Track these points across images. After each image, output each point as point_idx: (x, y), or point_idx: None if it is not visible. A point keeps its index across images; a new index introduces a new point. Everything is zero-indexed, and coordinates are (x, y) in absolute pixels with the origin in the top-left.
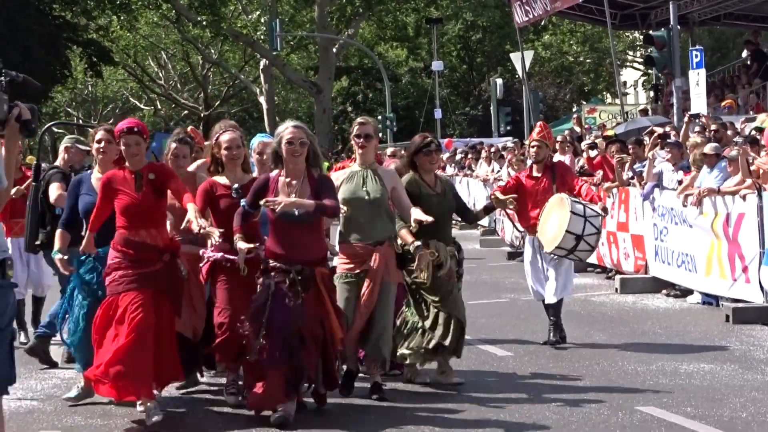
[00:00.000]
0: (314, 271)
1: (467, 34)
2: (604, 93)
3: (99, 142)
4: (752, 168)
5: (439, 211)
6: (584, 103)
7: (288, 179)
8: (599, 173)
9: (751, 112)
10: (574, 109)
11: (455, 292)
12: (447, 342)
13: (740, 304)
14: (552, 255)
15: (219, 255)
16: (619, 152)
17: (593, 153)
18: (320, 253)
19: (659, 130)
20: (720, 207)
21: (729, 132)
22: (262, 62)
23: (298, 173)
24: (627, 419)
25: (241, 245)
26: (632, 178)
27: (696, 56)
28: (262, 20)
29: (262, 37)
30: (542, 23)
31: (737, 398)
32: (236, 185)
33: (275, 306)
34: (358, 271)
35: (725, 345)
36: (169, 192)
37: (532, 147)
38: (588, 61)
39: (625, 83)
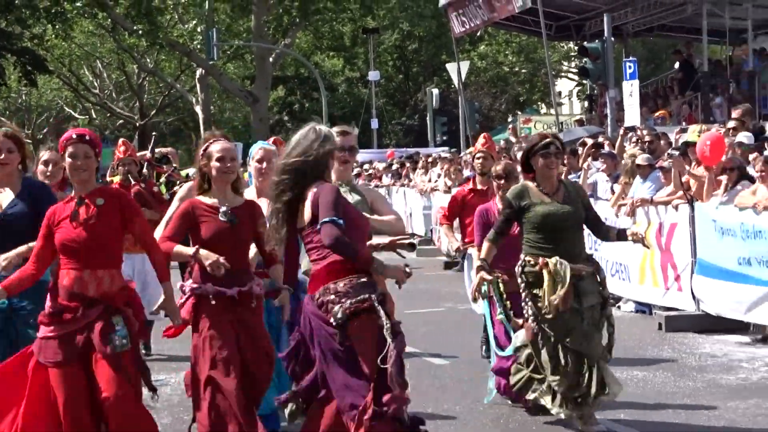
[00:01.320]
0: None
1: (403, 44)
2: (539, 103)
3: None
4: (684, 179)
5: (553, 221)
6: (519, 113)
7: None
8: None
9: (684, 123)
10: (509, 119)
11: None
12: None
13: (673, 313)
14: None
15: (209, 286)
16: None
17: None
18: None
19: (591, 141)
20: (653, 217)
21: (662, 143)
22: (199, 72)
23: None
24: (561, 425)
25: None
26: None
27: (629, 67)
28: (199, 30)
29: (198, 46)
30: (478, 34)
31: (670, 405)
32: (225, 207)
33: None
34: None
35: (658, 353)
36: None
37: (477, 158)
38: (523, 71)
39: (559, 93)
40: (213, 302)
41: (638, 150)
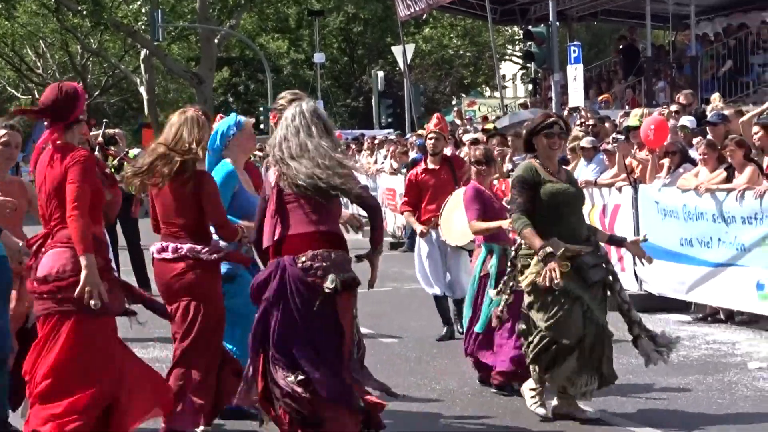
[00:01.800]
0: None
1: (349, 27)
2: (484, 86)
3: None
4: (627, 162)
5: (561, 200)
6: (464, 96)
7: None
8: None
9: (627, 107)
10: (454, 102)
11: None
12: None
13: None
14: (461, 248)
15: None
16: (500, 145)
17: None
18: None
19: None
20: (597, 198)
21: (607, 125)
22: (143, 52)
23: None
24: (504, 398)
25: None
26: (512, 170)
27: (574, 51)
28: (143, 10)
29: (142, 27)
30: (423, 17)
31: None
32: None
33: None
34: None
35: None
36: None
37: (430, 139)
38: (468, 54)
39: (504, 77)
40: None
41: (582, 133)
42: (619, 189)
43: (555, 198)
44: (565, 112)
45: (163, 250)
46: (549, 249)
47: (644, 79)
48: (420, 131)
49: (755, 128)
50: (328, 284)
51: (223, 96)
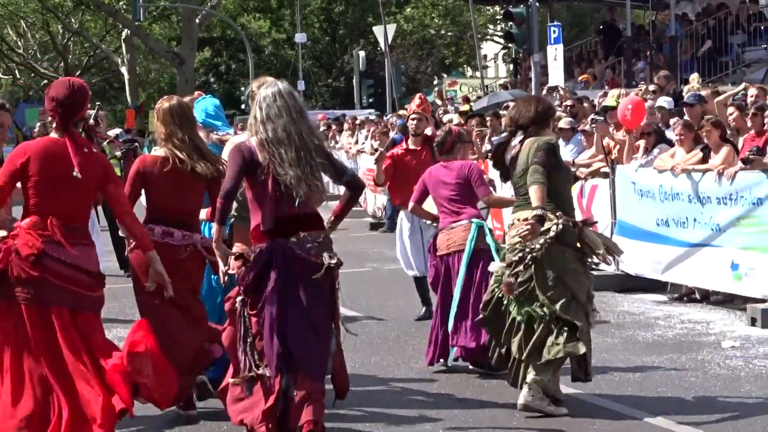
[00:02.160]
0: None
1: (330, 6)
2: (465, 66)
3: None
4: (605, 143)
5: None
6: (445, 76)
7: None
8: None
9: (606, 87)
10: (435, 82)
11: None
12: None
13: (593, 272)
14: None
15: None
16: (479, 126)
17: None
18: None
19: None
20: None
21: (585, 105)
22: (124, 32)
23: None
24: (480, 379)
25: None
26: (490, 150)
27: (554, 32)
28: None
29: (124, 6)
30: None
31: None
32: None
33: None
34: None
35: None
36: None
37: (412, 119)
38: (449, 34)
39: (485, 57)
40: None
41: (562, 113)
42: (598, 170)
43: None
44: (544, 92)
45: (168, 234)
46: (540, 212)
47: (624, 60)
48: (401, 111)
49: (730, 109)
50: (328, 260)
51: (205, 76)
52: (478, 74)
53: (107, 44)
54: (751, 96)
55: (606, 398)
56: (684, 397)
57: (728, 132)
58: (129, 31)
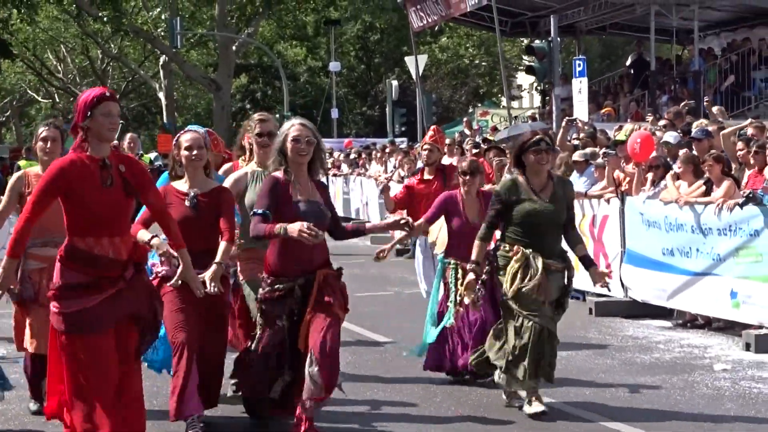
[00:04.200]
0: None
1: (366, 35)
2: (499, 96)
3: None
4: (615, 175)
5: (536, 219)
6: (479, 105)
7: (298, 180)
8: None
9: (629, 120)
10: (470, 111)
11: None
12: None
13: (603, 299)
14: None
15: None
16: (497, 156)
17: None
18: (327, 255)
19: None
20: (587, 209)
21: (601, 138)
22: (162, 58)
23: (305, 175)
24: (485, 394)
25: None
26: None
27: (579, 65)
28: (163, 17)
29: (162, 33)
30: (436, 28)
31: (585, 379)
32: (193, 191)
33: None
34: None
35: (585, 334)
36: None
37: (424, 150)
38: (483, 64)
39: (519, 87)
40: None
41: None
42: (608, 201)
43: (529, 217)
44: (563, 123)
45: None
46: (475, 269)
47: (648, 93)
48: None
49: (739, 144)
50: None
51: (241, 102)
52: (514, 104)
53: (145, 70)
54: (751, 135)
55: (588, 410)
56: (668, 411)
57: (734, 166)
58: (167, 58)
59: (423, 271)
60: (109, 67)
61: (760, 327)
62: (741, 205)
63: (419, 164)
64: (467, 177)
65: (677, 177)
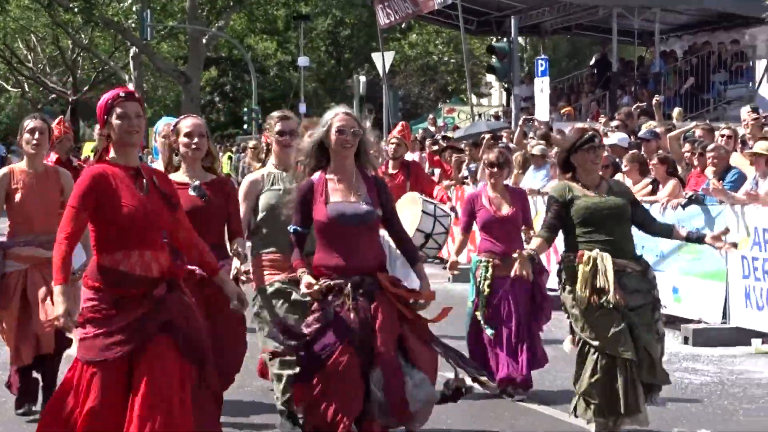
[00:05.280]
0: (376, 278)
1: (336, 30)
2: (468, 93)
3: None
4: None
5: (598, 213)
6: (447, 101)
7: (338, 177)
8: (438, 171)
9: (588, 120)
10: (439, 107)
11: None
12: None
13: (553, 293)
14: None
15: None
16: (455, 153)
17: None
18: (381, 257)
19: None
20: (540, 206)
21: (558, 137)
22: (132, 50)
23: (349, 170)
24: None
25: (307, 279)
26: (467, 177)
27: (541, 65)
28: (134, 9)
29: (132, 25)
30: (403, 25)
31: (540, 370)
32: (197, 182)
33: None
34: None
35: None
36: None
37: (391, 144)
38: (452, 61)
39: (488, 84)
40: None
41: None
42: None
43: (590, 211)
44: (520, 123)
45: None
46: (531, 252)
47: (609, 94)
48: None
49: (686, 146)
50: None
51: (210, 95)
52: (483, 101)
53: (116, 61)
54: (699, 137)
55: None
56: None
57: (679, 168)
58: (137, 49)
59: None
60: (79, 58)
61: (699, 321)
62: (683, 206)
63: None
64: (494, 169)
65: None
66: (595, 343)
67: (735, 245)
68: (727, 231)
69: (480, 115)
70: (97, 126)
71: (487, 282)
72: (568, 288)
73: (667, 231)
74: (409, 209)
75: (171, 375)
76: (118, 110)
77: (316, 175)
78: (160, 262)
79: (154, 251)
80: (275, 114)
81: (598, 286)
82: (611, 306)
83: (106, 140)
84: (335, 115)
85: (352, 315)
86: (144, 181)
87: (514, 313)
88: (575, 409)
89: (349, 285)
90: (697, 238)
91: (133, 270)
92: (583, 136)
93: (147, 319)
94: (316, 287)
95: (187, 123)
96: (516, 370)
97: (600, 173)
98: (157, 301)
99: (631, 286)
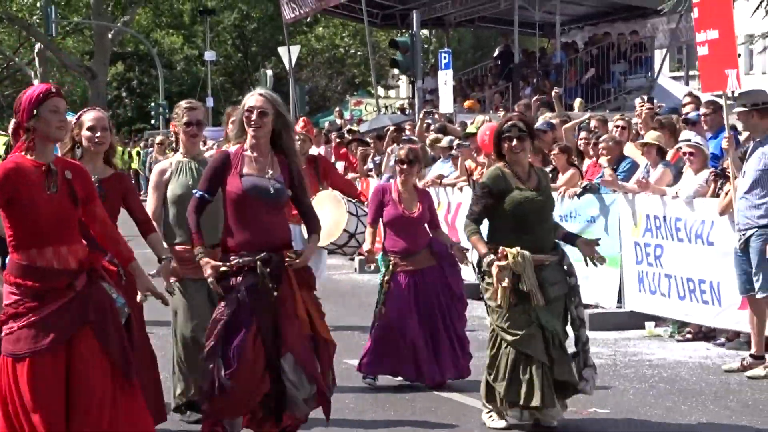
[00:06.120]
0: (282, 256)
1: (242, 24)
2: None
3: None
4: (467, 165)
5: (529, 209)
6: (355, 94)
7: (254, 154)
8: (343, 163)
9: (491, 111)
10: (346, 100)
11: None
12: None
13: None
14: (322, 247)
15: None
16: (360, 146)
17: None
18: (287, 236)
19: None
20: (442, 197)
21: (459, 129)
22: (38, 45)
23: (264, 148)
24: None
25: (209, 266)
26: (371, 169)
27: (444, 58)
28: (38, 4)
29: (37, 21)
30: (308, 18)
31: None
32: (95, 178)
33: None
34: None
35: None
36: None
37: (296, 141)
38: (359, 53)
39: (395, 76)
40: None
41: (440, 134)
42: (461, 189)
43: (521, 207)
44: (421, 115)
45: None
46: (491, 257)
47: (512, 85)
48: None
49: (582, 134)
50: None
51: (117, 90)
52: (391, 93)
53: (21, 57)
54: (593, 127)
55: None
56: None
57: (574, 157)
58: (42, 45)
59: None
60: None
61: (596, 306)
62: (579, 195)
63: None
64: (405, 166)
65: None
66: (509, 338)
67: (604, 260)
68: (597, 241)
69: (386, 107)
70: (12, 120)
71: (387, 278)
72: (487, 280)
73: (555, 230)
74: (333, 209)
75: (100, 367)
76: (51, 105)
77: (233, 148)
78: (78, 254)
79: (70, 245)
80: (183, 104)
81: (518, 287)
82: (527, 307)
83: (29, 134)
84: (251, 96)
85: (262, 298)
86: (54, 179)
87: (421, 309)
88: (486, 395)
89: (259, 263)
90: (570, 242)
91: (50, 264)
92: (505, 123)
93: (71, 309)
94: (222, 269)
95: (89, 116)
96: (435, 372)
97: (529, 161)
98: (79, 292)
99: (552, 279)
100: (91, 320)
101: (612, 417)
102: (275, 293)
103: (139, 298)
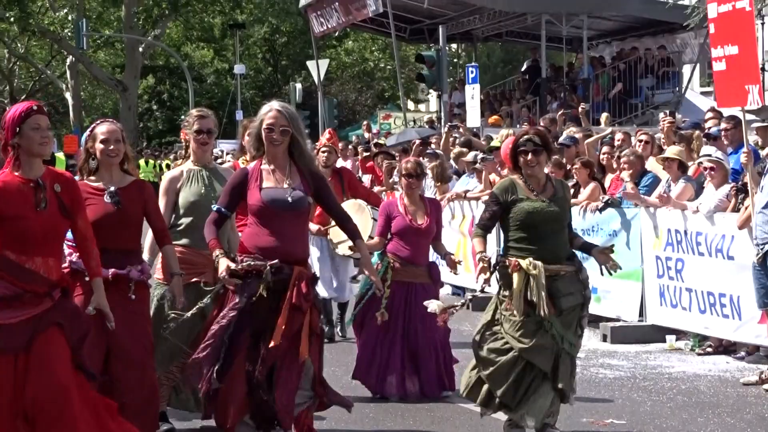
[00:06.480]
0: (292, 269)
1: (273, 38)
2: (405, 99)
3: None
4: (492, 179)
5: (540, 219)
6: (384, 107)
7: (272, 167)
8: (369, 176)
9: (518, 126)
10: (375, 113)
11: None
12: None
13: (479, 294)
14: (347, 256)
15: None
16: (387, 159)
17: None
18: (306, 252)
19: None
20: (467, 211)
21: (484, 143)
22: (69, 58)
23: (282, 161)
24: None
25: (225, 264)
26: (397, 182)
27: (471, 72)
28: (70, 18)
29: (69, 34)
30: (336, 33)
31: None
32: (112, 188)
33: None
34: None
35: (458, 327)
36: None
37: (323, 152)
38: (389, 67)
39: (424, 90)
40: (86, 278)
41: (464, 148)
42: (485, 203)
43: (530, 216)
44: (446, 130)
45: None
46: (487, 256)
47: (539, 99)
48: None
49: (605, 148)
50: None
51: (148, 103)
52: (420, 107)
53: (52, 70)
54: (618, 140)
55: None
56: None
57: (596, 171)
58: (73, 58)
59: (319, 273)
60: (15, 67)
61: (618, 320)
62: (600, 210)
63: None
64: (411, 179)
65: None
66: (518, 345)
67: (618, 267)
68: (612, 248)
69: (414, 121)
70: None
71: (387, 283)
72: (503, 292)
73: (572, 240)
74: (357, 217)
75: (63, 357)
76: (33, 123)
77: (252, 164)
78: (58, 269)
79: (55, 259)
80: (194, 112)
81: (529, 298)
82: (540, 317)
83: (15, 150)
84: (268, 111)
85: (261, 305)
86: (44, 194)
87: (408, 322)
88: (470, 390)
89: (268, 267)
90: (586, 250)
91: (38, 270)
92: (521, 137)
93: (45, 315)
94: (234, 268)
95: (102, 129)
96: (414, 386)
97: (547, 172)
98: (54, 302)
99: (565, 290)
100: (57, 321)
101: (628, 429)
102: (270, 305)
103: (87, 310)
